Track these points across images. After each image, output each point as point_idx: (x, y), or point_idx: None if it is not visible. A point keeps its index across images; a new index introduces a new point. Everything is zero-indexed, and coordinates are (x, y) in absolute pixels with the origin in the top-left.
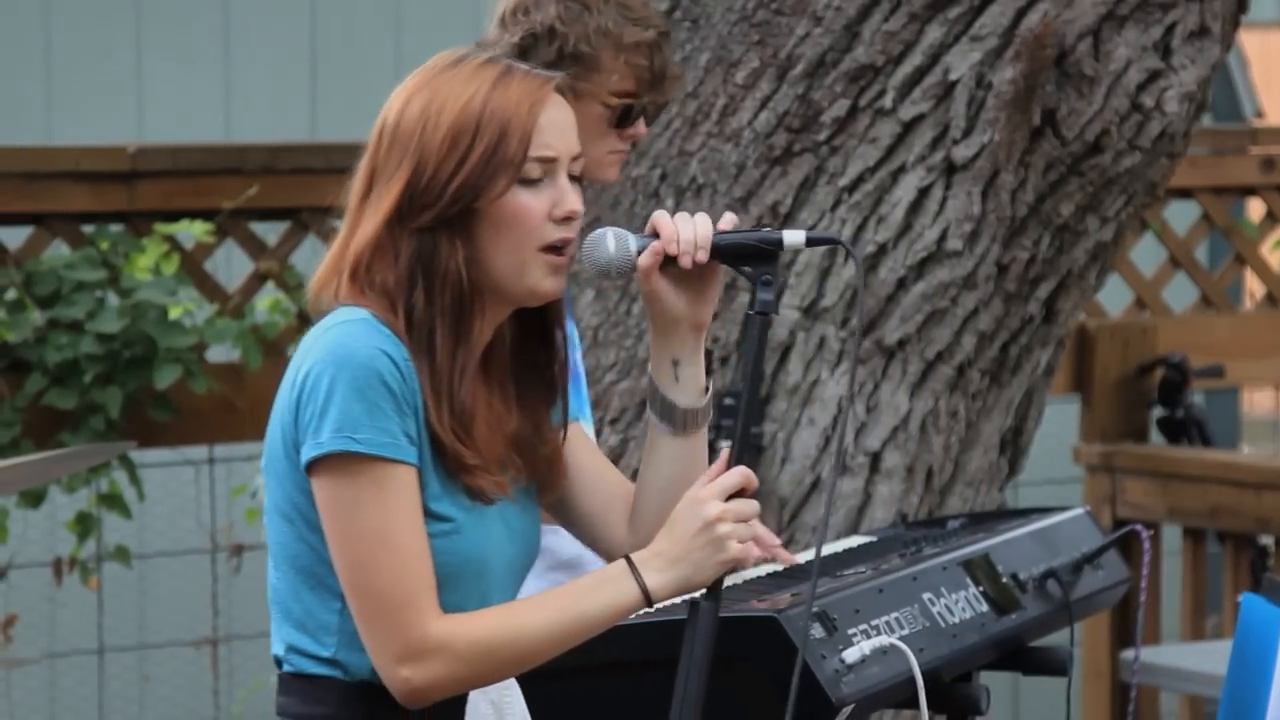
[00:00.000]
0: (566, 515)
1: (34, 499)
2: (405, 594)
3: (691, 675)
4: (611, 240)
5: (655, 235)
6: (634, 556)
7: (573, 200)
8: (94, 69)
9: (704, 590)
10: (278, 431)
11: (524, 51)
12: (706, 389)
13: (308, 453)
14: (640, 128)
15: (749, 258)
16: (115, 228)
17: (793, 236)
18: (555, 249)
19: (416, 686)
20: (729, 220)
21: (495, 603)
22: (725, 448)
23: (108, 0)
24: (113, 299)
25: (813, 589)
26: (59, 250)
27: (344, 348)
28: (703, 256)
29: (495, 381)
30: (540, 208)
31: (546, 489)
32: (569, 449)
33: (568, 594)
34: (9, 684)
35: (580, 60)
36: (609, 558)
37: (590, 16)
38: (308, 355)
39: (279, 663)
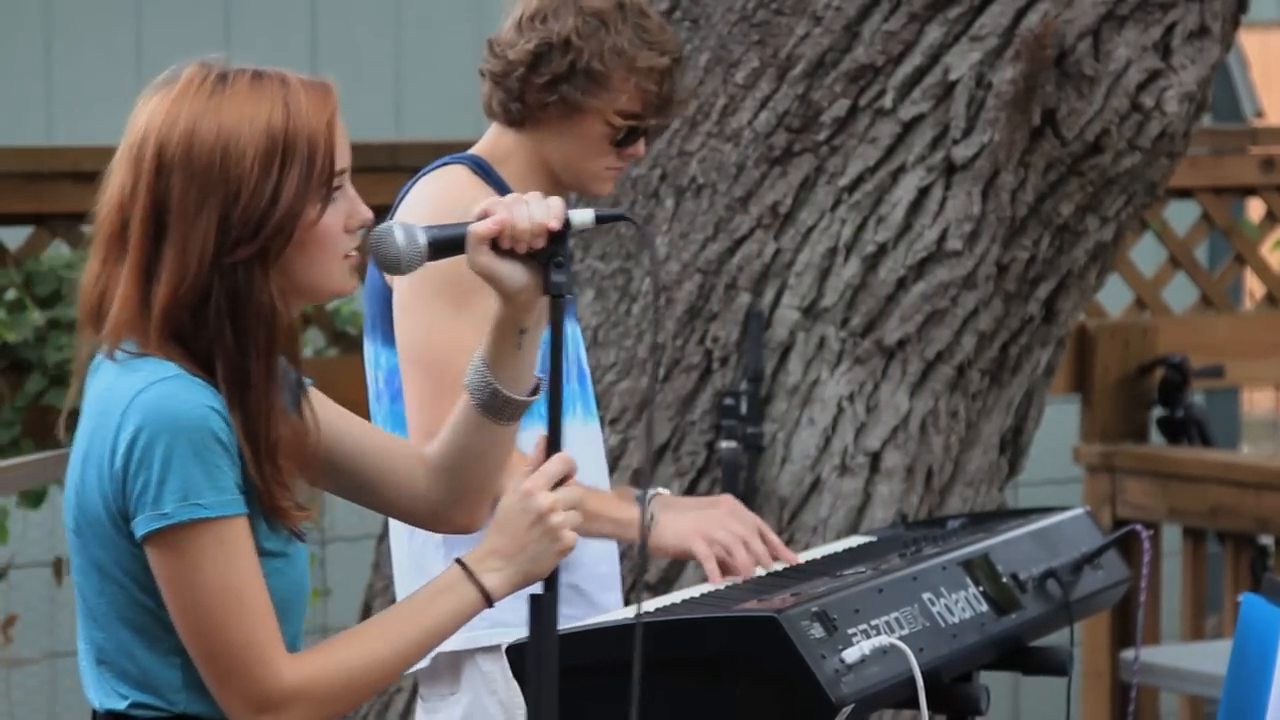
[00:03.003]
0: (346, 483)
1: (34, 499)
2: (258, 647)
3: (544, 671)
4: (400, 233)
5: (450, 225)
6: (466, 559)
7: (365, 209)
8: (94, 69)
9: (542, 584)
10: (96, 497)
11: (536, 59)
12: (536, 388)
13: (150, 524)
14: (640, 147)
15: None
16: None
17: (581, 216)
18: (349, 257)
19: None
20: (556, 210)
21: (301, 626)
22: (540, 437)
23: (108, 0)
24: None
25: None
26: (59, 250)
27: (170, 410)
28: (540, 243)
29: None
30: (338, 222)
31: (314, 478)
32: (321, 416)
33: (408, 611)
34: (9, 684)
35: (590, 76)
36: (406, 518)
37: (607, 34)
38: (127, 418)
39: (116, 714)
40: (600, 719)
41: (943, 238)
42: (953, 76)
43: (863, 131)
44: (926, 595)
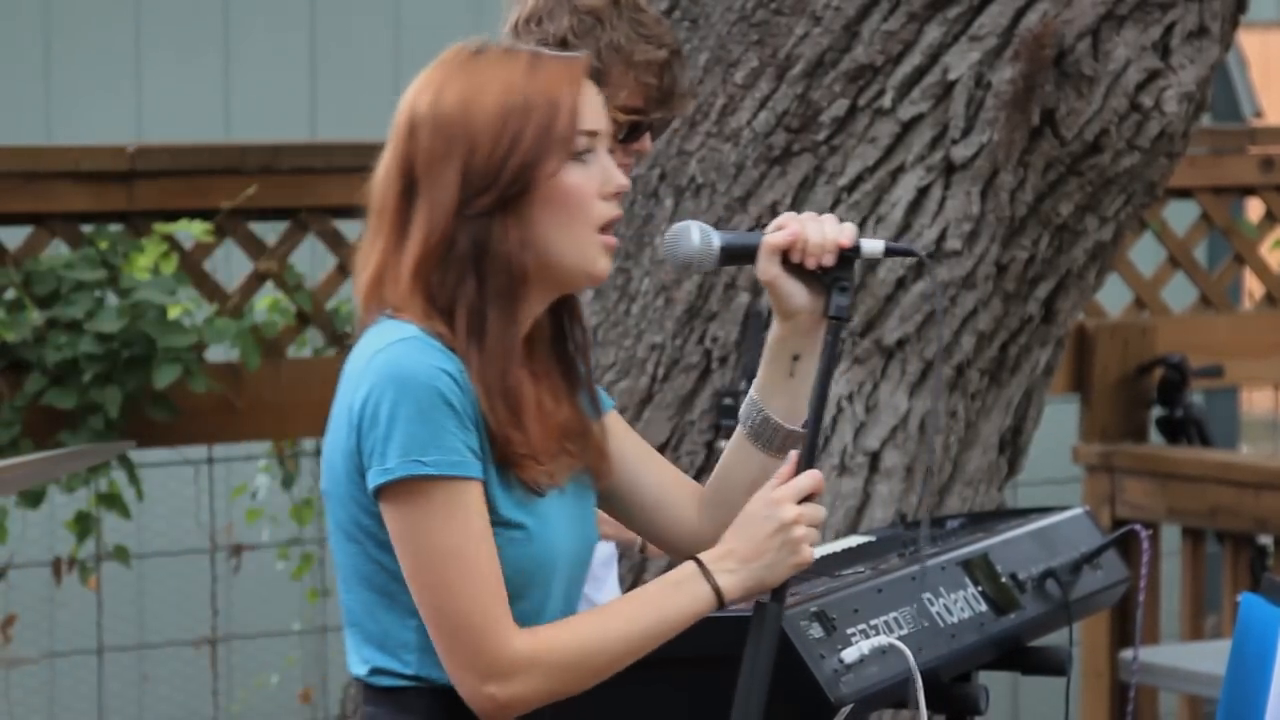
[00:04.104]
0: (622, 507)
1: (33, 499)
2: (484, 612)
3: (756, 675)
4: (696, 234)
5: (747, 230)
6: (703, 557)
7: (620, 176)
8: (93, 68)
9: (770, 593)
10: (339, 457)
11: None
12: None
13: (375, 479)
14: (646, 143)
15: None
16: (114, 227)
17: (871, 244)
18: (607, 228)
19: (503, 703)
20: (849, 231)
21: (559, 601)
22: (793, 452)
23: (107, 0)
24: (112, 299)
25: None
26: (58, 250)
27: (402, 369)
28: (829, 260)
29: (540, 372)
30: (591, 185)
31: (600, 476)
32: (613, 438)
33: (643, 600)
34: (8, 683)
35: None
36: (673, 550)
37: (603, 31)
38: (363, 379)
39: (361, 681)
40: (602, 717)
41: (942, 237)
42: (952, 76)
43: (862, 131)
44: (926, 595)
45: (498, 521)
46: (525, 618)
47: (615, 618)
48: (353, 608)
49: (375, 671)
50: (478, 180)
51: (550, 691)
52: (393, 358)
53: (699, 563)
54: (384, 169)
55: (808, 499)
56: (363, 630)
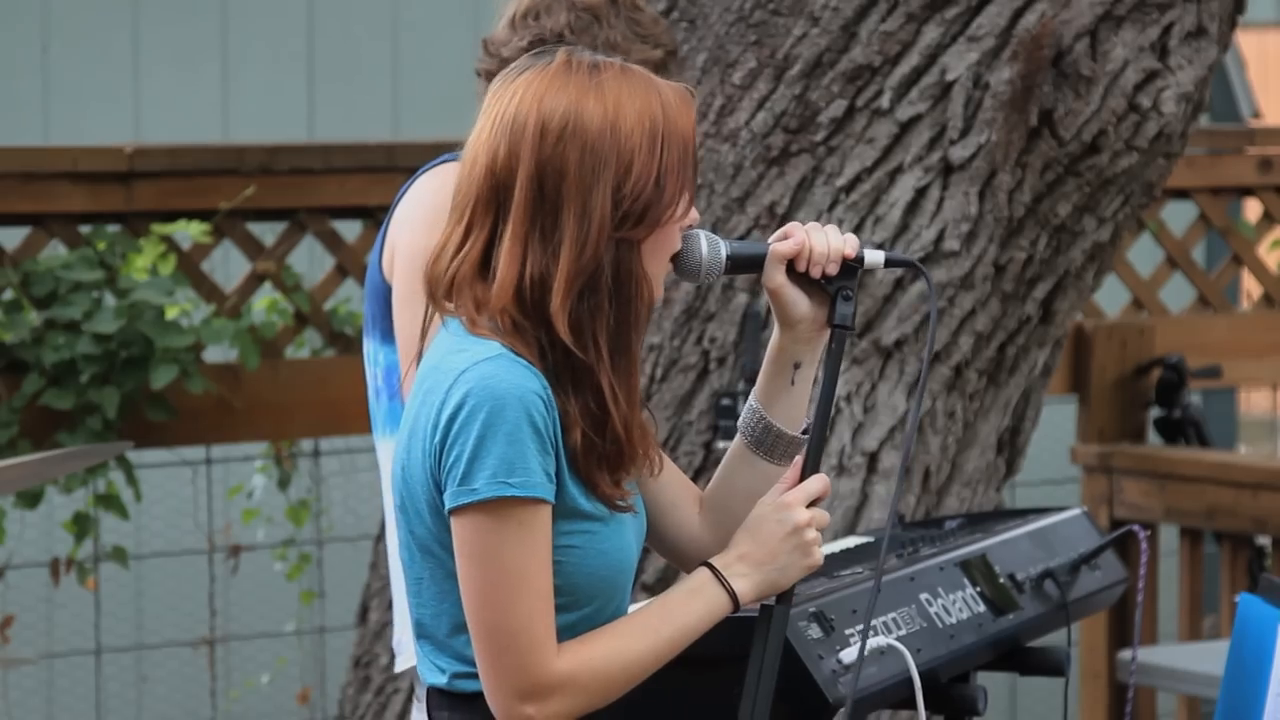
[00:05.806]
0: (647, 507)
1: (31, 499)
2: (536, 633)
3: (763, 678)
4: (704, 244)
5: (752, 240)
6: (715, 562)
7: (695, 211)
8: (91, 69)
9: (774, 596)
10: (419, 473)
11: None
12: (809, 427)
13: (459, 498)
14: None
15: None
16: (112, 228)
17: (872, 255)
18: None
19: None
20: (852, 241)
21: (627, 603)
22: (798, 457)
23: (105, 0)
24: (110, 299)
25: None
26: (56, 250)
27: (494, 388)
28: (833, 269)
29: None
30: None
31: (652, 466)
32: None
33: (663, 610)
34: (6, 684)
35: None
36: (673, 554)
37: (599, 29)
38: (450, 394)
39: (438, 689)
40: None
41: (940, 238)
42: (950, 77)
43: (860, 132)
44: (924, 596)
45: (579, 514)
46: (603, 621)
47: (640, 631)
48: (424, 620)
49: (457, 677)
50: (629, 203)
51: (582, 708)
52: (486, 375)
53: (712, 568)
54: (493, 165)
55: (814, 503)
56: (436, 641)
